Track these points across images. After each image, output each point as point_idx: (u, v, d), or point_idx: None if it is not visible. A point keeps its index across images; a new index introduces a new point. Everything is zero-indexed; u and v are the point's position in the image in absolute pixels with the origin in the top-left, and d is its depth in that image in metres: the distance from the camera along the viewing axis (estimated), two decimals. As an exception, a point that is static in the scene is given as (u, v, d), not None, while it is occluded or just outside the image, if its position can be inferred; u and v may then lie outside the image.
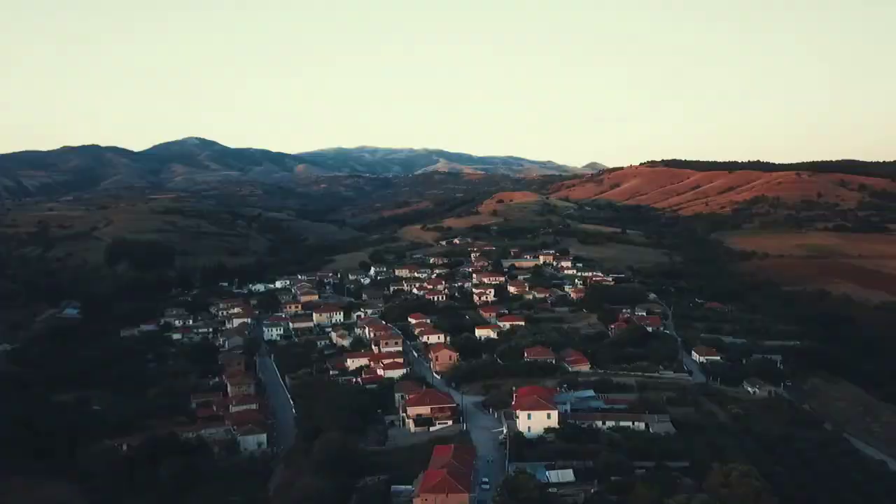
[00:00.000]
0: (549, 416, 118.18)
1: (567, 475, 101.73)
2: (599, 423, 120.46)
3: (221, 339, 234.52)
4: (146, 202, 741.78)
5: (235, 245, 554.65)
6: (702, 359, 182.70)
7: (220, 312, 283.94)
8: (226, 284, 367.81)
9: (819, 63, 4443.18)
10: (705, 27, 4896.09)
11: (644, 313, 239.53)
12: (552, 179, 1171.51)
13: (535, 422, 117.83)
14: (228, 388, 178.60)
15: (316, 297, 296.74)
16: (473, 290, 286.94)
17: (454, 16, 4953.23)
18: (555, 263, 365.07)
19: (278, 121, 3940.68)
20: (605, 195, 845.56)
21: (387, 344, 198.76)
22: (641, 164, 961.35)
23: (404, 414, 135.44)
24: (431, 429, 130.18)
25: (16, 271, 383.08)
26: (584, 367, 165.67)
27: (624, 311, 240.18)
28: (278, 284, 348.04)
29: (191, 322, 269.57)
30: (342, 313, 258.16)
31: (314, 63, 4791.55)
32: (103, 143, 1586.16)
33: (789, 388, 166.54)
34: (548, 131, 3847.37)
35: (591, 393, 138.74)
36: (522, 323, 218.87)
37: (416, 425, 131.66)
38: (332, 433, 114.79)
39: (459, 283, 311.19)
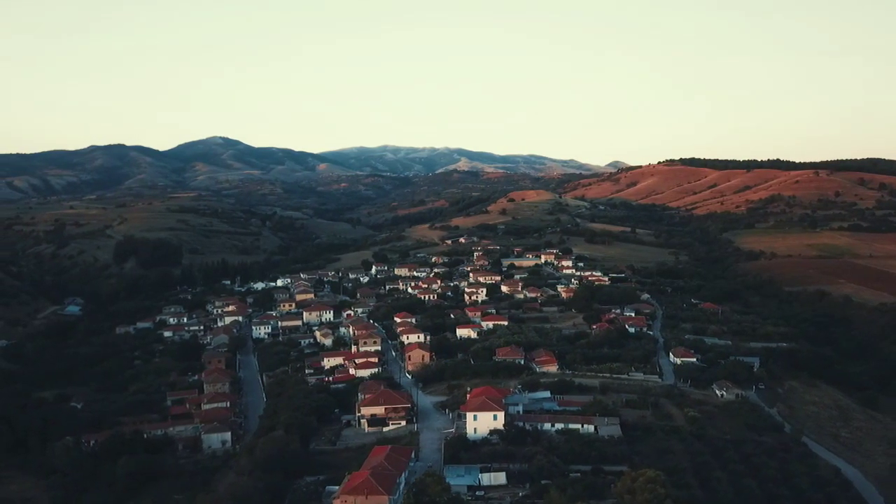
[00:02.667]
0: (494, 418, 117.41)
1: (500, 478, 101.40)
2: (548, 426, 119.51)
3: (208, 338, 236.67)
4: (164, 201, 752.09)
5: (246, 243, 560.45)
6: (677, 360, 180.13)
7: (215, 310, 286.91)
8: (228, 283, 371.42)
9: (845, 60, 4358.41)
10: (731, 26, 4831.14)
11: (632, 314, 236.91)
12: (571, 178, 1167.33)
13: (480, 423, 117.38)
14: (204, 386, 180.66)
15: (311, 296, 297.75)
16: (466, 289, 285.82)
17: (479, 16, 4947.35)
18: (555, 263, 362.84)
19: (302, 120, 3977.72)
20: (621, 194, 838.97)
21: (365, 343, 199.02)
22: (659, 163, 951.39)
23: (359, 414, 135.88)
24: (385, 429, 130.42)
25: (22, 268, 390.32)
26: (553, 368, 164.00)
27: (613, 311, 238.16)
28: (279, 283, 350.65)
29: (185, 320, 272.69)
30: (332, 312, 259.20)
31: (339, 63, 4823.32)
32: (129, 143, 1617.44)
33: (763, 391, 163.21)
34: (571, 130, 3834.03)
35: (546, 394, 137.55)
36: (505, 323, 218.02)
37: (369, 425, 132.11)
38: (276, 433, 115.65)
39: (455, 283, 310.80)
